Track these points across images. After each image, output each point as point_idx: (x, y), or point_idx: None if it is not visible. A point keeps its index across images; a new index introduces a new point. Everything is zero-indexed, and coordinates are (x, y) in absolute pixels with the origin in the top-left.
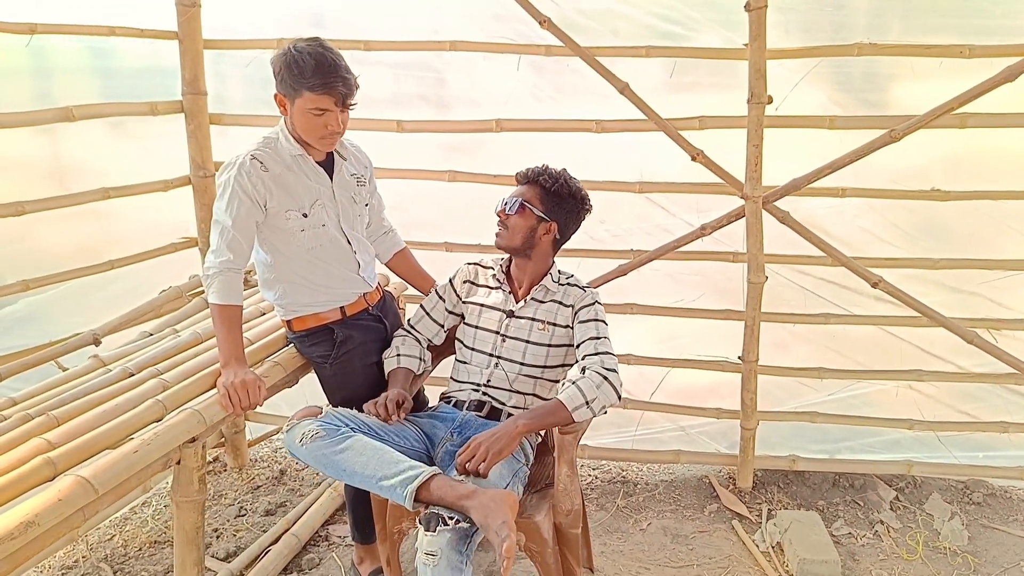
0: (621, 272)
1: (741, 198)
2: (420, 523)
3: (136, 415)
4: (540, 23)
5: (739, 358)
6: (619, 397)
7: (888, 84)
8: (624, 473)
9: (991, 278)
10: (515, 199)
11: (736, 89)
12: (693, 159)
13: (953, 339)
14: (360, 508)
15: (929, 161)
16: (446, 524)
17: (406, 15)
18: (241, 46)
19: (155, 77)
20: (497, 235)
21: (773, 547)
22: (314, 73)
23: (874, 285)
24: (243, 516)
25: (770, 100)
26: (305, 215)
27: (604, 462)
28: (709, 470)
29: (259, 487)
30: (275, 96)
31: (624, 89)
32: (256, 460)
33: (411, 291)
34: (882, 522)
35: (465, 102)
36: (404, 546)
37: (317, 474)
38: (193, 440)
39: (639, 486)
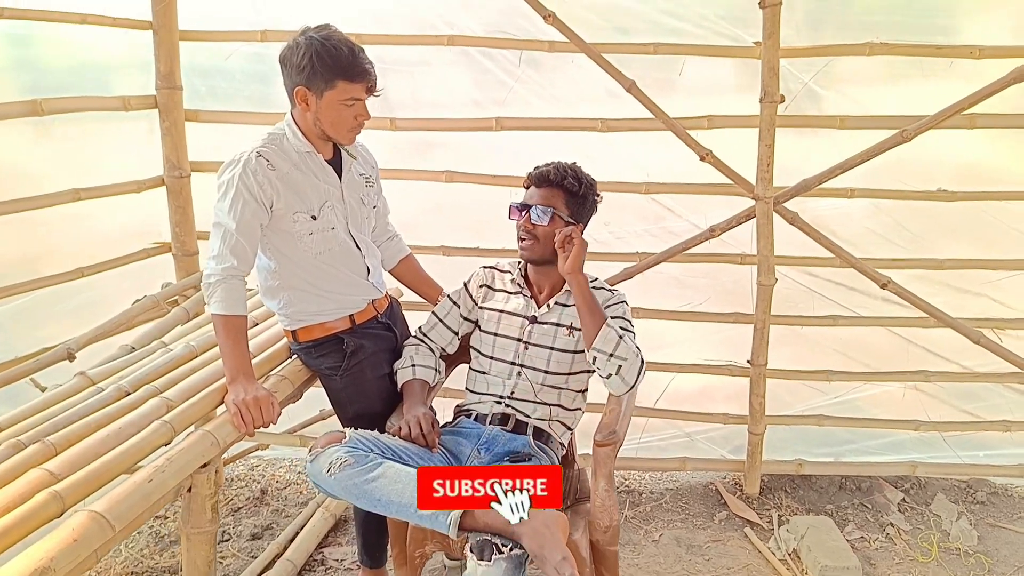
0: (628, 275)
1: (752, 199)
2: (472, 552)
3: (144, 439)
4: (544, 18)
5: (748, 362)
6: (638, 379)
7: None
8: (627, 482)
9: (994, 278)
10: (544, 208)
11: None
12: (702, 159)
13: (956, 339)
14: (372, 531)
15: (937, 163)
16: (500, 552)
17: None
18: (220, 38)
19: (84, 72)
20: (524, 248)
21: (789, 554)
22: (350, 61)
23: (883, 286)
24: (227, 541)
25: (782, 99)
26: (314, 217)
27: None
28: (713, 476)
29: (239, 508)
30: (296, 91)
31: (631, 87)
32: (232, 479)
33: (409, 296)
34: (892, 524)
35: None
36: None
37: (301, 493)
38: (205, 465)
39: (644, 495)
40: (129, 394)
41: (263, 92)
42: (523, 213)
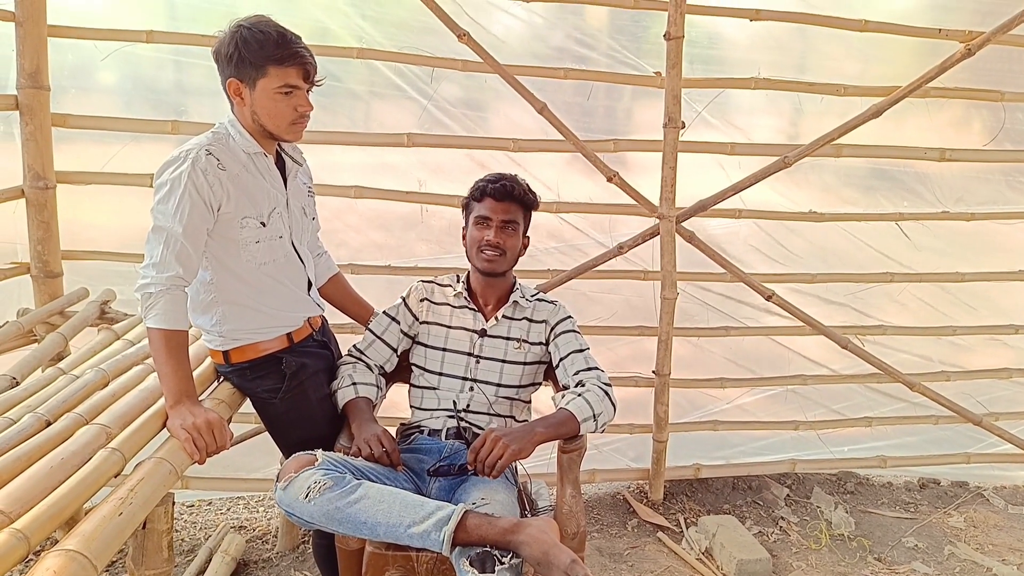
0: (541, 291)
1: (656, 218)
2: (473, 565)
3: (97, 469)
4: (458, 37)
5: (653, 372)
6: (615, 413)
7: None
8: None
9: (855, 290)
10: (513, 222)
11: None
12: (609, 180)
13: (827, 345)
14: (333, 565)
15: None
16: (500, 563)
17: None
18: (97, 36)
19: None
20: (491, 261)
21: (703, 553)
22: (278, 44)
23: (768, 298)
24: None
25: (683, 125)
26: (263, 224)
27: None
28: (619, 486)
29: (114, 563)
30: (228, 84)
31: (543, 109)
32: None
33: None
34: (783, 518)
35: None
36: None
37: (184, 541)
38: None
39: None
40: (50, 423)
41: (146, 99)
42: (488, 227)
